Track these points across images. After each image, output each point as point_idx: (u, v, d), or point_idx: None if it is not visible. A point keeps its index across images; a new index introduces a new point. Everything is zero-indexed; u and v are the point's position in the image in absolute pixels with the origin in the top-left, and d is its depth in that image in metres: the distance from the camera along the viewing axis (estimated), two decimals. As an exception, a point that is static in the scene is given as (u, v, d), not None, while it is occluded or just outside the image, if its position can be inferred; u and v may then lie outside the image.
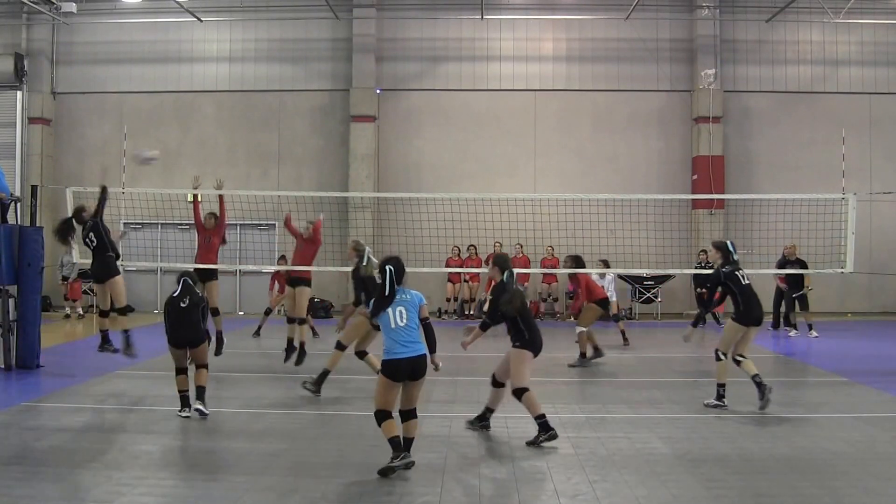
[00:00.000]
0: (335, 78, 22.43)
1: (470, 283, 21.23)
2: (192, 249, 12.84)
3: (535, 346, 7.99)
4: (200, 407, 8.73)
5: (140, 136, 21.76)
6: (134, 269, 21.50)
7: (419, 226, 17.35)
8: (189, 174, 22.28)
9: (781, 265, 16.89)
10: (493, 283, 8.36)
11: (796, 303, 17.20)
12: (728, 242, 10.01)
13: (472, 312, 21.09)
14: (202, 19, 21.87)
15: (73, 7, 20.51)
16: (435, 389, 10.58)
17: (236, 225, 21.35)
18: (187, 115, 22.66)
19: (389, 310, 6.81)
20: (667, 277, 20.58)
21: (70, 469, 6.83)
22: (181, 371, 8.90)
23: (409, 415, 6.86)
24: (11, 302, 12.02)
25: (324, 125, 22.50)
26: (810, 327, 16.87)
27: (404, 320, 6.77)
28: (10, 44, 22.66)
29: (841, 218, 14.91)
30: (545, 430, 7.66)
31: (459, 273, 20.60)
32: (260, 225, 21.57)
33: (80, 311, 20.45)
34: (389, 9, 22.34)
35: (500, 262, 8.30)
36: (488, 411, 8.33)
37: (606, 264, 16.81)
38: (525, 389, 7.81)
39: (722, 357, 9.52)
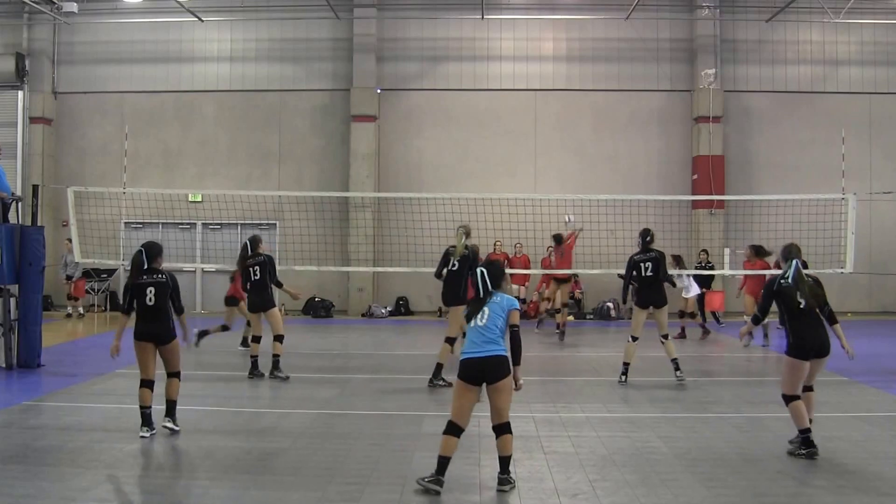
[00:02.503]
0: (336, 78, 22.44)
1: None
2: (193, 249, 12.84)
3: (797, 352, 7.66)
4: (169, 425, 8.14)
5: (141, 135, 21.82)
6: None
7: (419, 226, 17.35)
8: (190, 174, 22.51)
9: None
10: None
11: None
12: (645, 231, 11.16)
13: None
14: (203, 19, 21.87)
15: (74, 7, 20.49)
16: (435, 388, 10.59)
17: (237, 225, 21.40)
18: (188, 114, 22.66)
19: None
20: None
21: (70, 468, 6.84)
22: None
23: (499, 430, 6.40)
24: (13, 301, 12.05)
25: (324, 125, 22.51)
26: (810, 327, 16.81)
27: (484, 320, 6.42)
28: (12, 43, 22.67)
29: (841, 218, 14.92)
30: (806, 444, 7.28)
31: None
32: (261, 225, 21.57)
33: (81, 310, 20.46)
34: (390, 9, 22.34)
35: (783, 250, 8.29)
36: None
37: (679, 262, 15.79)
38: (791, 397, 7.46)
39: (630, 340, 11.00)
